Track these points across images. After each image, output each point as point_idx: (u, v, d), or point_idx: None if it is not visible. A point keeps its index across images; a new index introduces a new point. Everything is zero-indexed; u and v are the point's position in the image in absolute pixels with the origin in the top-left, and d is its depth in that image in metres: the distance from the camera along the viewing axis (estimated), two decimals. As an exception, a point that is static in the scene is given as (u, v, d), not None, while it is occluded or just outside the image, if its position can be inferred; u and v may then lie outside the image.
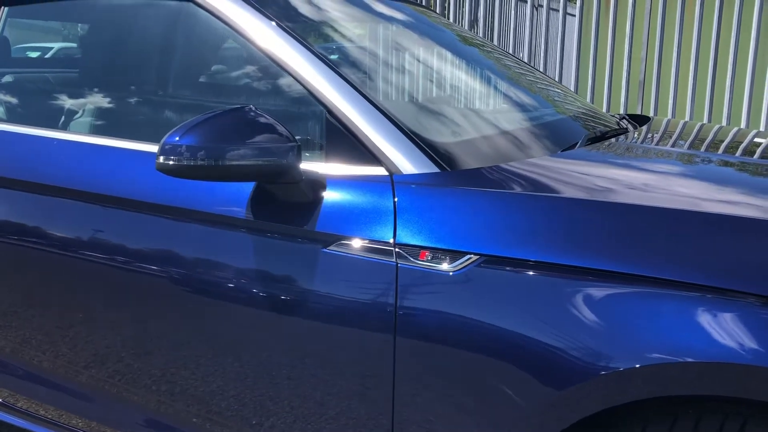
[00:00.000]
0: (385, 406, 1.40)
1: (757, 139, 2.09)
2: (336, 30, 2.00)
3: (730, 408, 1.19)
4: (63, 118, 1.98)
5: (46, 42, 3.25)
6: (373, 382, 1.40)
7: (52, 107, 2.05)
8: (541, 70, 4.90)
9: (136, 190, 1.64)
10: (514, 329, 1.27)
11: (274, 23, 1.66)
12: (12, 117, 2.05)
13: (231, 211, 1.52)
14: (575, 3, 5.34)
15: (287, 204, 1.49)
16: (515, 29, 5.36)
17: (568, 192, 1.36)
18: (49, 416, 1.90)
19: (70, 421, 1.86)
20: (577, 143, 1.75)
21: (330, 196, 1.46)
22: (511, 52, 4.98)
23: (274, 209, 1.50)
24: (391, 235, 1.38)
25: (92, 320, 1.72)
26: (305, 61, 1.58)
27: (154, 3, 1.85)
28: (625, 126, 2.17)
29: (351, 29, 2.04)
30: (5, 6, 2.02)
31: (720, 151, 1.92)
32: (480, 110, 1.92)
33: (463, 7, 5.61)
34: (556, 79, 5.17)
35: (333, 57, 1.71)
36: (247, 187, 1.52)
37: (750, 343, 1.12)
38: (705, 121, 4.68)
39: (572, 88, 4.98)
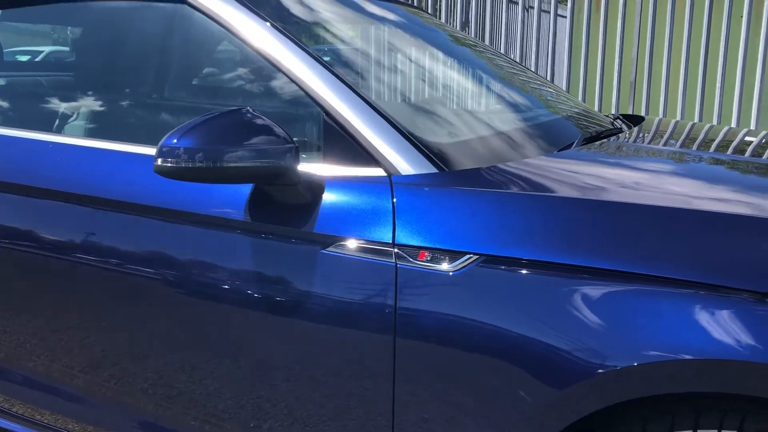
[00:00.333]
0: (385, 406, 1.40)
1: (747, 138, 2.11)
2: (331, 31, 2.00)
3: (728, 405, 1.20)
4: (57, 121, 1.97)
5: (36, 46, 3.24)
6: (372, 383, 1.40)
7: (47, 110, 2.04)
8: (533, 70, 4.92)
9: (133, 192, 1.64)
10: (514, 329, 1.27)
11: (269, 24, 1.65)
12: (6, 120, 2.04)
13: (229, 213, 1.52)
14: (566, 5, 5.36)
15: (285, 205, 1.49)
16: (507, 30, 5.37)
17: (565, 192, 1.37)
18: (46, 421, 1.89)
19: (66, 426, 1.85)
20: (572, 143, 1.76)
21: (328, 197, 1.46)
22: (503, 53, 4.99)
23: (272, 211, 1.49)
24: (390, 235, 1.38)
25: (89, 324, 1.72)
26: (301, 62, 1.58)
27: (148, 5, 1.85)
28: (619, 126, 2.18)
29: (346, 30, 2.04)
30: (-3, 9, 2.01)
31: (712, 149, 1.93)
32: (476, 111, 1.93)
33: (454, 8, 5.62)
34: (548, 79, 5.19)
35: (329, 58, 1.71)
36: (245, 189, 1.51)
37: (747, 340, 1.13)
38: (696, 120, 4.71)
39: (564, 89, 5.00)
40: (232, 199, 1.52)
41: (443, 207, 1.39)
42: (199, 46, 1.86)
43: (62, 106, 2.01)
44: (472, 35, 5.36)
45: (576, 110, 2.19)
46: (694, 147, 1.98)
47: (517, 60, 5.15)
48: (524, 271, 1.29)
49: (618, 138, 1.94)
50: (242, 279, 1.51)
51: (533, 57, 5.21)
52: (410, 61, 2.11)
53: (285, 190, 1.47)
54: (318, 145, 1.56)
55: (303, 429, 1.50)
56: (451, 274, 1.32)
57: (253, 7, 1.70)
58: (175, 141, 1.36)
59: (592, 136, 1.88)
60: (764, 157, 1.84)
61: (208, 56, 1.86)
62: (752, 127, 4.56)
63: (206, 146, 1.35)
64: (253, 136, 1.39)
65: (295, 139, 1.43)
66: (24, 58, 3.10)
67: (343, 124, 1.51)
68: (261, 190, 1.50)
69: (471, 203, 1.37)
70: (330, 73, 1.57)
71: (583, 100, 5.01)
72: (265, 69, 1.65)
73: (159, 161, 1.37)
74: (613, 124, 2.21)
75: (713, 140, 2.08)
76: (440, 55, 2.26)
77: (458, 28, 5.43)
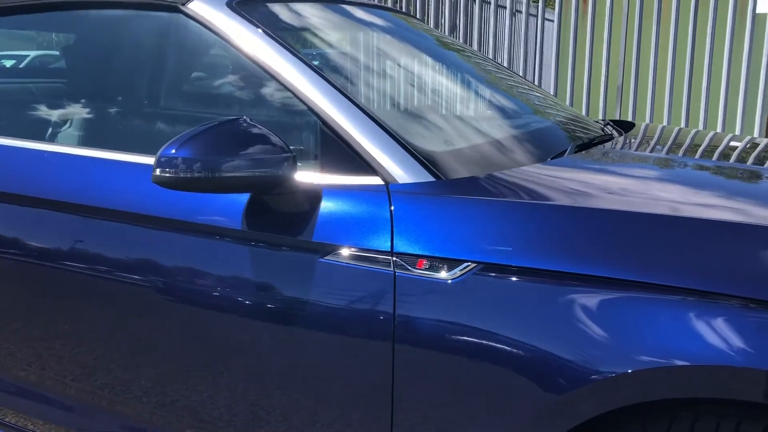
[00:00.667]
0: (384, 415, 1.41)
1: (736, 144, 2.14)
2: (325, 39, 2.01)
3: (724, 410, 1.22)
4: (50, 129, 1.97)
5: (21, 50, 3.22)
6: (371, 391, 1.41)
7: (38, 118, 2.03)
8: (521, 75, 4.95)
9: (129, 201, 1.63)
10: (511, 336, 1.28)
11: (263, 33, 1.66)
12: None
13: (226, 222, 1.52)
14: (553, 8, 5.39)
15: (283, 214, 1.49)
16: (495, 35, 5.39)
17: (561, 199, 1.38)
18: (38, 431, 1.88)
19: None
20: (566, 150, 1.78)
21: (326, 205, 1.47)
22: (492, 58, 5.02)
23: (270, 219, 1.50)
24: (389, 244, 1.39)
25: (86, 332, 1.71)
26: (297, 71, 1.59)
27: (144, 14, 1.84)
28: (609, 132, 2.20)
29: (340, 38, 2.05)
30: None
31: (698, 155, 1.96)
32: (470, 118, 1.94)
33: (443, 12, 5.64)
34: (535, 83, 5.22)
35: (323, 65, 1.72)
36: (243, 198, 1.52)
37: (740, 345, 1.14)
38: (682, 124, 4.75)
39: (552, 93, 5.03)
40: (230, 208, 1.52)
41: (441, 215, 1.40)
42: (195, 55, 1.87)
43: (55, 114, 2.00)
44: (460, 40, 5.39)
45: (567, 116, 2.21)
46: (683, 153, 2.01)
47: (505, 64, 5.18)
48: (522, 279, 1.30)
49: (610, 145, 1.96)
50: (240, 288, 1.51)
51: (521, 61, 5.24)
52: (404, 68, 2.12)
53: (282, 198, 1.48)
54: (315, 153, 1.57)
55: None
56: (449, 282, 1.33)
57: (247, 16, 1.71)
58: (173, 151, 1.36)
59: (584, 142, 1.90)
60: (766, 165, 1.86)
61: (203, 65, 1.87)
62: (737, 131, 4.62)
63: (204, 156, 1.36)
64: (251, 145, 1.39)
65: (291, 147, 1.44)
66: (9, 63, 3.07)
67: (339, 133, 1.51)
68: (258, 199, 1.51)
69: (469, 211, 1.38)
70: (326, 82, 1.58)
71: (571, 104, 5.04)
72: (261, 78, 1.65)
73: (157, 171, 1.37)
74: (603, 130, 2.23)
75: (702, 146, 2.11)
76: (433, 62, 2.28)
77: (446, 32, 5.45)
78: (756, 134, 4.55)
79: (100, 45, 1.98)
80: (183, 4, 1.74)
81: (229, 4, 1.73)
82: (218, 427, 1.60)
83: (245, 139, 1.40)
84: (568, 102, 5.02)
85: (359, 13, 2.22)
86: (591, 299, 1.25)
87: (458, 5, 5.54)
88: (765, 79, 4.48)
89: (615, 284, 1.24)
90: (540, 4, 5.31)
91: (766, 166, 1.84)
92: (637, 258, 1.25)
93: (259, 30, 1.67)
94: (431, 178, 1.47)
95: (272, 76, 1.61)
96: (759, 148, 2.03)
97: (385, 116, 1.58)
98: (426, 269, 1.36)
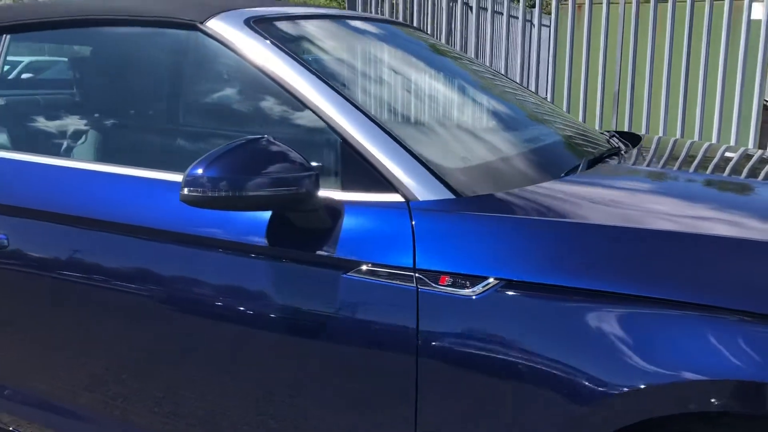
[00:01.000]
0: (407, 429, 1.44)
1: (727, 154, 2.18)
2: (341, 57, 2.03)
3: (743, 423, 1.26)
4: (65, 144, 1.99)
5: (12, 56, 3.23)
6: (393, 408, 1.44)
7: (54, 133, 2.05)
8: (518, 81, 4.99)
9: (150, 218, 1.66)
10: (535, 351, 1.31)
11: (281, 51, 1.69)
12: (16, 144, 2.05)
13: (250, 239, 1.55)
14: (550, 14, 5.44)
15: (306, 231, 1.52)
16: (491, 41, 5.44)
17: (581, 216, 1.42)
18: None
19: None
20: (578, 165, 1.81)
21: (348, 222, 1.50)
22: (488, 64, 5.06)
23: (292, 235, 1.53)
24: (411, 260, 1.42)
25: (112, 346, 1.73)
26: (316, 89, 1.62)
27: (161, 31, 1.87)
28: (616, 144, 2.24)
29: (355, 55, 2.08)
30: (7, 34, 2.02)
31: (709, 170, 1.99)
32: (484, 134, 1.97)
33: (440, 18, 5.68)
34: (533, 90, 5.27)
35: (341, 83, 1.74)
36: (265, 215, 1.55)
37: (760, 360, 1.18)
38: (678, 130, 4.81)
39: (549, 100, 5.07)
40: (253, 224, 1.55)
41: (462, 232, 1.43)
42: (213, 73, 1.89)
43: (70, 129, 2.02)
44: (457, 47, 5.43)
45: (575, 130, 2.25)
46: (697, 168, 2.02)
47: (502, 71, 5.22)
48: (543, 295, 1.33)
49: (622, 159, 1.99)
50: (263, 303, 1.54)
51: (518, 68, 5.29)
52: (418, 84, 2.15)
53: (305, 215, 1.50)
54: (334, 170, 1.60)
55: None
56: (473, 298, 1.37)
57: (265, 34, 1.74)
58: (200, 171, 1.39)
59: (595, 157, 1.93)
60: None
61: (222, 82, 1.89)
62: (732, 140, 4.68)
63: (230, 175, 1.39)
64: (274, 163, 1.42)
65: (313, 164, 1.47)
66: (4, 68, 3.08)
67: (359, 151, 1.54)
68: (281, 216, 1.53)
69: (491, 228, 1.42)
70: (344, 100, 1.61)
71: (568, 111, 5.09)
72: (280, 95, 1.68)
73: (186, 190, 1.40)
74: (609, 142, 2.27)
75: (719, 160, 2.13)
76: (444, 77, 2.31)
77: (443, 39, 5.49)
78: (751, 139, 4.61)
79: (117, 61, 2.00)
80: (201, 23, 1.76)
81: (246, 23, 1.76)
82: None
83: (269, 158, 1.43)
84: (565, 109, 5.07)
85: (369, 28, 2.24)
86: (611, 315, 1.28)
87: (454, 12, 5.58)
88: (760, 85, 4.54)
89: (640, 301, 1.27)
90: (537, 10, 5.36)
91: None
92: (662, 276, 1.28)
93: (277, 48, 1.70)
94: (450, 195, 1.50)
95: (291, 94, 1.64)
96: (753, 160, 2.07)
97: (402, 133, 1.61)
98: (449, 285, 1.39)
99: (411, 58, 2.30)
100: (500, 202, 1.49)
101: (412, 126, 1.85)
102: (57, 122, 2.07)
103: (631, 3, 4.93)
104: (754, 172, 1.94)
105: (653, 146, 2.28)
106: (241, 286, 1.57)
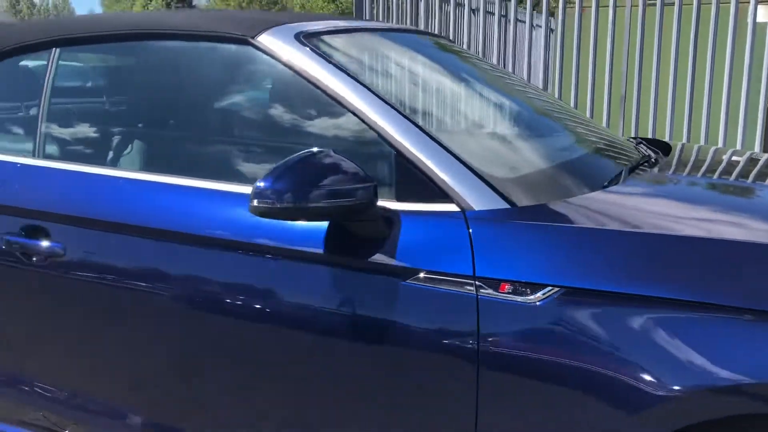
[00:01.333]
0: None
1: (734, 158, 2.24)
2: (389, 70, 2.08)
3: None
4: (120, 155, 2.03)
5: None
6: (454, 414, 1.49)
7: (106, 144, 2.08)
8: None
9: (209, 227, 1.71)
10: (594, 357, 1.37)
11: (331, 65, 1.74)
12: (65, 154, 2.08)
13: (311, 247, 1.60)
14: (557, 18, 5.51)
15: (365, 239, 1.57)
16: (499, 45, 5.49)
17: (637, 226, 1.47)
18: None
19: None
20: (620, 174, 1.87)
21: (405, 231, 1.55)
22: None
23: (352, 244, 1.58)
24: (470, 268, 1.48)
25: (177, 353, 1.79)
26: (368, 103, 1.67)
27: (213, 45, 1.91)
28: (645, 151, 2.30)
29: (402, 67, 2.13)
30: (57, 47, 2.05)
31: (754, 178, 2.05)
32: (529, 145, 2.03)
33: (446, 23, 5.74)
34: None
35: (391, 96, 1.79)
36: (324, 224, 1.60)
37: None
38: (684, 133, 4.88)
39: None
40: (313, 233, 1.60)
41: (520, 240, 1.48)
42: (265, 86, 1.94)
43: (123, 141, 2.06)
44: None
45: (606, 138, 2.30)
46: (739, 176, 2.09)
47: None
48: (602, 302, 1.39)
49: (660, 168, 2.05)
50: (325, 311, 1.59)
51: (525, 71, 5.35)
52: (464, 96, 2.20)
53: (364, 225, 1.56)
54: (390, 181, 1.65)
55: None
56: (535, 305, 1.42)
57: (316, 48, 1.79)
58: (268, 184, 1.45)
59: (633, 166, 1.99)
60: None
61: (274, 96, 1.94)
62: (738, 144, 4.75)
63: (296, 188, 1.45)
64: (335, 175, 1.48)
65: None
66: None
67: (415, 163, 1.60)
68: (340, 226, 1.59)
69: (551, 237, 1.47)
70: (396, 112, 1.66)
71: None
72: (334, 109, 1.72)
73: (255, 202, 1.45)
74: (637, 149, 2.33)
75: (754, 167, 2.19)
76: (483, 88, 2.36)
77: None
78: (757, 143, 4.69)
79: (169, 75, 2.04)
80: (253, 37, 1.81)
81: (297, 37, 1.81)
82: None
83: (330, 170, 1.48)
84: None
85: (411, 40, 2.30)
86: (670, 322, 1.34)
87: (461, 17, 5.64)
88: (765, 88, 4.62)
89: (698, 307, 1.33)
90: (544, 15, 5.42)
91: None
92: (719, 283, 1.34)
93: (327, 62, 1.75)
94: (505, 205, 1.55)
95: (345, 107, 1.69)
96: None
97: (454, 144, 1.66)
98: (509, 293, 1.45)
99: (454, 71, 2.36)
100: (554, 212, 1.55)
101: (461, 137, 1.90)
102: (109, 133, 2.10)
103: (637, 6, 4.99)
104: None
105: (680, 153, 2.34)
106: (301, 294, 1.62)
